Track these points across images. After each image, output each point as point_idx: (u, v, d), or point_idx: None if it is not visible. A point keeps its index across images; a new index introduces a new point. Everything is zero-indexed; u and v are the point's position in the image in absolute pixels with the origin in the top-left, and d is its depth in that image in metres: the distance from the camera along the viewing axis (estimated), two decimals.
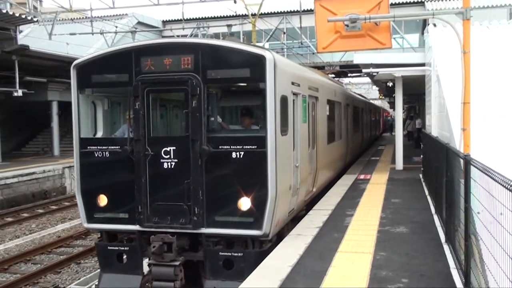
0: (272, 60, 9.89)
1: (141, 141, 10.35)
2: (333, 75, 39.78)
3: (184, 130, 10.40)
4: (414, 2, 41.34)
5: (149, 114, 10.40)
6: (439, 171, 11.40)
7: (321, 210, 13.27)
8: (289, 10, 42.57)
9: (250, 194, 9.75)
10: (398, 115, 24.73)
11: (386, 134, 61.19)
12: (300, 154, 12.23)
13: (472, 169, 6.59)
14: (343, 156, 22.63)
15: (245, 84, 11.21)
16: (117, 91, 11.65)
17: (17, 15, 26.09)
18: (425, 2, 41.12)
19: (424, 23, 29.83)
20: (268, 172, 9.69)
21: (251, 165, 9.88)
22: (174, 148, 10.21)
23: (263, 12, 33.30)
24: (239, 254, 9.97)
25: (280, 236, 10.94)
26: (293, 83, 11.64)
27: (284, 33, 42.06)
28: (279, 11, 43.74)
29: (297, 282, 7.82)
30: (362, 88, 65.68)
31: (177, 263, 10.09)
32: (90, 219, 10.95)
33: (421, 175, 19.13)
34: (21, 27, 26.51)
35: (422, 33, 29.32)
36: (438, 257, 8.92)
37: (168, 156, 10.22)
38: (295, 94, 11.85)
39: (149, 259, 10.50)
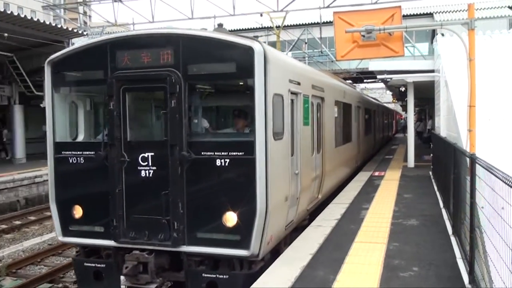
0: (262, 52, 7.97)
1: (116, 146, 8.58)
2: (350, 81, 39.56)
3: (163, 134, 8.54)
4: (423, 14, 41.01)
5: (125, 115, 8.65)
6: (447, 169, 11.33)
7: (339, 204, 13.26)
8: (310, 22, 42.40)
9: (237, 208, 7.94)
10: (410, 117, 24.63)
11: (399, 135, 60.97)
12: (301, 160, 10.33)
13: (477, 167, 6.56)
14: (353, 158, 20.26)
15: (232, 81, 9.07)
16: (93, 90, 9.69)
17: (70, 29, 26.43)
18: (434, 13, 40.81)
19: (433, 33, 29.53)
20: (257, 183, 7.85)
21: (237, 174, 8.04)
22: (153, 154, 8.44)
23: (286, 24, 33.28)
24: (224, 276, 8.18)
25: (276, 252, 9.17)
26: (291, 81, 9.71)
27: (306, 43, 41.97)
28: (301, 23, 43.63)
29: (317, 269, 7.83)
30: (377, 92, 65.21)
31: (153, 286, 8.41)
32: (66, 232, 9.23)
33: (430, 172, 18.98)
34: (73, 40, 26.80)
35: (431, 42, 29.08)
36: (445, 247, 8.88)
37: (146, 163, 8.47)
38: (294, 93, 9.91)
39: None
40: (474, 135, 11.47)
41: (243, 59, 8.06)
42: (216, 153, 8.11)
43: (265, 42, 12.45)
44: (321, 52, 40.59)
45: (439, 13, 41.04)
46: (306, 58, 41.40)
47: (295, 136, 10.07)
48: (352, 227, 10.56)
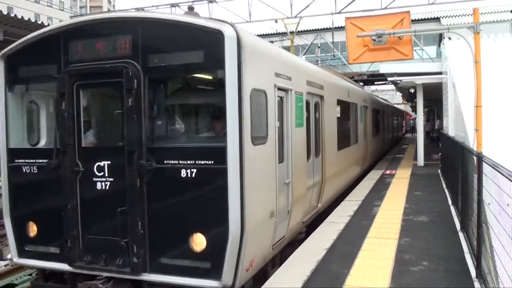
0: (234, 37, 6.38)
1: (68, 153, 7.03)
2: (361, 83, 39.43)
3: (120, 138, 6.92)
4: (431, 18, 40.77)
5: (79, 116, 7.12)
6: (455, 167, 11.28)
7: (352, 201, 13.23)
8: (322, 28, 42.31)
9: (206, 230, 6.40)
10: (420, 117, 24.55)
11: (409, 135, 60.64)
12: (293, 166, 8.76)
13: (484, 165, 6.55)
14: (359, 161, 18.59)
15: (201, 74, 7.35)
16: (48, 87, 7.65)
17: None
18: (441, 18, 40.58)
19: (440, 36, 29.39)
20: (230, 198, 6.30)
21: (206, 188, 6.48)
22: (109, 163, 6.88)
23: (300, 30, 33.29)
24: None
25: (263, 275, 7.80)
26: (278, 75, 8.07)
27: (319, 47, 41.93)
28: (314, 29, 43.62)
29: (332, 263, 7.86)
30: (387, 94, 64.92)
31: None
32: (22, 253, 7.64)
33: (439, 171, 18.86)
34: None
35: (439, 45, 28.92)
36: (454, 243, 8.85)
37: (102, 173, 6.90)
38: (282, 89, 8.29)
39: None
40: (480, 134, 11.46)
41: (211, 46, 6.47)
42: (181, 162, 6.54)
43: (279, 47, 11.94)
44: (333, 56, 40.50)
45: (445, 17, 40.80)
46: (319, 62, 41.42)
47: (285, 140, 8.57)
48: (365, 223, 10.55)
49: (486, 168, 6.45)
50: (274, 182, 7.77)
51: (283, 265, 7.88)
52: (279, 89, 8.11)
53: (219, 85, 6.48)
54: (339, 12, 24.25)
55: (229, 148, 6.36)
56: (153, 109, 7.22)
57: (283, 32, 34.60)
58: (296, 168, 9.05)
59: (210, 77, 7.30)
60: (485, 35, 18.30)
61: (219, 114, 6.87)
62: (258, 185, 7.07)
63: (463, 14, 40.26)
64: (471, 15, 18.03)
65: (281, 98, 8.36)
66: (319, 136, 11.49)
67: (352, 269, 7.49)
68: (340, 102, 14.21)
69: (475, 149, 10.45)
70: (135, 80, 6.61)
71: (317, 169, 11.24)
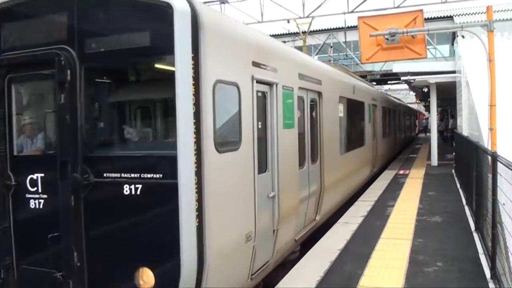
0: (188, 13, 5.06)
1: None
2: (374, 83, 39.29)
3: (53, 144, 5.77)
4: (444, 17, 40.52)
5: (11, 116, 5.89)
6: (469, 167, 11.23)
7: (365, 201, 13.20)
8: (335, 27, 42.21)
9: (154, 263, 5.08)
10: (433, 117, 24.44)
11: (421, 135, 60.19)
12: (280, 176, 7.41)
13: (499, 164, 6.52)
14: (367, 165, 17.15)
15: (148, 61, 5.72)
16: None
17: None
18: (454, 16, 40.36)
19: (454, 35, 29.22)
20: (182, 223, 4.96)
21: (153, 209, 5.17)
22: (42, 175, 5.58)
23: (312, 30, 33.22)
24: None
25: None
26: (258, 65, 6.67)
27: (331, 47, 41.85)
28: (326, 28, 43.53)
29: (345, 263, 7.85)
30: (401, 93, 64.62)
31: None
32: None
33: (453, 170, 18.76)
34: None
35: (452, 44, 28.76)
36: (468, 243, 8.80)
37: (35, 188, 5.60)
38: (264, 83, 6.96)
39: None
40: (495, 133, 11.39)
41: (158, 25, 5.14)
42: (123, 175, 5.22)
43: (292, 47, 11.48)
44: (346, 56, 40.39)
45: (459, 15, 40.55)
46: (332, 62, 41.34)
47: (269, 145, 7.28)
48: (378, 223, 10.52)
49: (500, 167, 6.42)
50: (251, 197, 6.40)
51: (296, 265, 7.88)
52: (260, 82, 6.77)
53: (170, 75, 5.01)
54: (352, 12, 24.18)
55: (181, 157, 4.98)
56: (92, 107, 5.96)
57: (296, 32, 34.59)
58: (285, 178, 7.69)
59: (159, 65, 5.62)
60: (499, 33, 18.18)
61: (171, 113, 5.31)
62: (227, 203, 5.74)
63: (476, 12, 39.99)
64: (484, 13, 17.94)
65: (263, 93, 7.08)
66: (317, 139, 10.11)
67: (366, 269, 7.48)
68: (343, 100, 12.82)
69: (489, 148, 10.40)
70: (69, 71, 5.29)
71: (314, 176, 9.81)
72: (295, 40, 38.51)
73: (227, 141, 5.89)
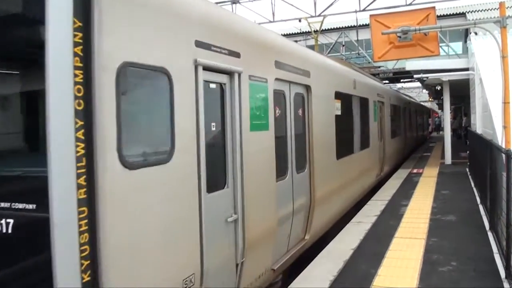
0: None
1: None
2: (386, 81, 39.13)
3: None
4: (456, 14, 40.29)
5: None
6: (483, 165, 11.17)
7: (379, 201, 13.18)
8: (346, 26, 42.12)
9: None
10: (447, 115, 24.32)
11: (434, 134, 59.71)
12: (246, 192, 5.95)
13: None
14: (372, 169, 15.54)
15: (26, 35, 3.98)
16: None
17: None
18: (466, 13, 40.12)
19: (466, 32, 29.08)
20: (57, 275, 3.35)
21: (26, 254, 3.71)
22: None
23: (324, 29, 33.24)
24: None
25: None
26: (204, 45, 5.13)
27: (343, 45, 41.81)
28: (338, 27, 43.44)
29: (359, 263, 7.84)
30: (413, 91, 64.35)
31: None
32: None
33: (467, 169, 18.67)
34: None
35: (465, 41, 28.62)
36: (482, 243, 8.74)
37: None
38: (217, 70, 5.46)
39: None
40: (509, 131, 11.34)
41: None
42: None
43: (304, 46, 10.64)
44: (358, 54, 40.30)
45: (471, 12, 40.29)
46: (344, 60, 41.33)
47: (229, 152, 5.75)
48: (392, 223, 10.50)
49: None
50: (194, 226, 4.86)
51: (309, 265, 7.88)
52: (211, 69, 5.26)
53: (41, 56, 3.41)
54: (363, 10, 24.17)
55: (54, 178, 3.36)
56: None
57: (307, 31, 34.58)
58: (254, 194, 6.19)
59: (33, 41, 3.83)
60: None
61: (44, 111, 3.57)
62: (148, 241, 4.17)
63: (489, 9, 39.73)
64: (497, 9, 17.83)
65: (219, 85, 5.60)
66: (305, 143, 8.69)
67: (379, 269, 7.47)
68: (341, 96, 11.14)
69: (503, 146, 10.35)
70: None
71: (301, 188, 8.34)
72: (307, 39, 38.50)
73: (147, 151, 4.31)
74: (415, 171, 19.60)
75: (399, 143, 22.88)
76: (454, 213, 11.23)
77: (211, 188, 5.27)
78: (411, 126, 29.98)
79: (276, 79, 7.15)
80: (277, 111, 7.28)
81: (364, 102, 14.35)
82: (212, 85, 5.46)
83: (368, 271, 7.39)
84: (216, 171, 5.54)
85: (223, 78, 5.67)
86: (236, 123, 5.86)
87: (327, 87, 10.19)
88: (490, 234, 9.15)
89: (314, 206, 8.76)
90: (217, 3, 23.75)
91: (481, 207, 11.57)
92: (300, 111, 8.46)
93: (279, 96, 7.46)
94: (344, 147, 11.35)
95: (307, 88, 8.75)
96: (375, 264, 7.72)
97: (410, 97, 39.85)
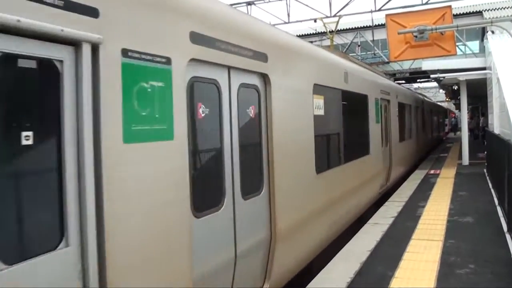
0: None
1: None
2: (403, 81, 38.96)
3: None
4: (472, 12, 40.00)
5: None
6: (501, 166, 11.10)
7: (395, 202, 13.14)
8: (362, 26, 42.02)
9: None
10: (464, 115, 24.16)
11: (451, 134, 58.91)
12: (113, 245, 3.61)
13: None
14: (373, 181, 13.03)
15: None
16: None
17: None
18: (483, 11, 39.85)
19: (483, 30, 28.91)
20: None
21: None
22: None
23: (339, 29, 33.20)
24: None
25: None
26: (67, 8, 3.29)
27: (359, 46, 41.77)
28: (354, 27, 43.37)
29: (376, 264, 7.83)
30: (430, 91, 64.01)
31: None
32: None
33: (485, 170, 18.55)
34: None
35: (482, 40, 28.43)
36: (500, 245, 8.68)
37: None
38: (40, 37, 3.14)
39: None
40: None
41: None
42: None
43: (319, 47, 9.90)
44: (374, 54, 40.20)
45: (488, 10, 39.99)
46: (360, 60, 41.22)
47: (69, 184, 3.37)
48: (409, 224, 10.47)
49: None
50: None
51: (326, 266, 7.89)
52: (24, 33, 3.07)
53: None
54: (379, 10, 24.14)
55: None
56: None
57: (323, 31, 34.55)
58: (137, 245, 3.92)
59: None
60: None
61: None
62: None
63: (506, 7, 39.42)
64: None
65: (47, 64, 3.29)
66: (260, 154, 6.34)
67: (396, 271, 7.46)
68: (323, 91, 8.80)
69: None
70: None
71: (252, 220, 6.02)
72: (322, 39, 38.47)
73: None
74: (432, 172, 19.51)
75: (410, 147, 20.73)
76: (471, 214, 11.18)
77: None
78: (424, 127, 27.94)
79: (193, 60, 4.82)
80: (202, 111, 5.11)
81: (361, 99, 12.10)
82: (26, 64, 3.17)
83: (385, 273, 7.38)
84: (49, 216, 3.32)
85: (57, 51, 3.36)
86: (85, 132, 3.50)
87: (300, 78, 7.75)
88: (508, 236, 9.09)
89: (275, 242, 6.47)
90: (231, 4, 23.85)
91: (499, 209, 11.48)
92: (251, 111, 6.15)
93: (201, 89, 5.11)
94: (328, 158, 9.26)
95: (264, 77, 6.45)
96: (392, 266, 7.71)
97: (424, 96, 39.49)
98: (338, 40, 37.30)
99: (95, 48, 3.57)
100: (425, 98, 36.38)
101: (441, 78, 22.75)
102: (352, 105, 11.06)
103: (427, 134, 29.83)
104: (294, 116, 7.35)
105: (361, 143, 12.08)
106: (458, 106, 45.25)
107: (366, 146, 12.47)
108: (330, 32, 29.83)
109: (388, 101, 15.91)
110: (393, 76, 38.71)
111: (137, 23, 4.02)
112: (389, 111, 16.03)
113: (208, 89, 5.23)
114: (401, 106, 18.64)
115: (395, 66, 38.75)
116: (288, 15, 26.85)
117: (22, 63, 3.11)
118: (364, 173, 11.95)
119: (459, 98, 25.17)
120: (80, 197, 3.46)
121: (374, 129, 13.42)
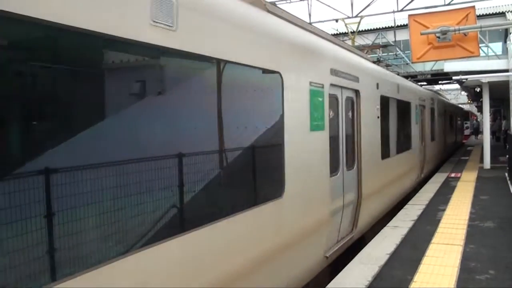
0: None
1: None
2: (425, 83, 38.63)
3: None
4: (495, 13, 39.64)
5: None
6: None
7: (416, 205, 13.08)
8: (384, 27, 41.85)
9: None
10: (486, 118, 23.91)
11: (471, 138, 57.33)
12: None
13: None
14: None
15: None
16: None
17: None
18: (506, 12, 39.42)
19: (506, 32, 28.58)
20: None
21: None
22: None
23: (361, 30, 33.09)
24: None
25: None
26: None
27: (381, 46, 41.64)
28: (375, 28, 43.17)
29: (395, 268, 7.82)
30: (452, 93, 63.44)
31: None
32: None
33: (506, 174, 18.36)
34: None
35: (505, 41, 28.10)
36: None
37: None
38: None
39: None
40: None
41: None
42: None
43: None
44: (396, 55, 39.97)
45: (511, 12, 39.56)
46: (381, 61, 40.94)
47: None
48: (429, 228, 10.43)
49: None
50: None
51: (344, 269, 7.91)
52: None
53: None
54: (401, 10, 23.96)
55: None
56: None
57: (344, 32, 34.44)
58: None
59: None
60: None
61: None
62: None
63: None
64: None
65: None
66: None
67: (415, 275, 7.44)
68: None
69: None
70: None
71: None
72: (344, 40, 38.40)
73: None
74: (453, 175, 19.37)
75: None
76: (492, 219, 11.09)
77: None
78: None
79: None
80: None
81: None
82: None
83: (404, 277, 7.37)
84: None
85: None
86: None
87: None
88: None
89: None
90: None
91: None
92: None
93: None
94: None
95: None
96: (411, 270, 7.70)
97: (447, 99, 39.06)
98: (360, 40, 37.13)
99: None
100: (449, 102, 35.92)
101: (463, 80, 22.58)
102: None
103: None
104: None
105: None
106: (480, 109, 44.75)
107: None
108: (351, 32, 29.76)
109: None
110: (415, 77, 38.43)
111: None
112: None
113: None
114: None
115: (418, 68, 38.45)
116: (310, 15, 26.84)
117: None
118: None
119: (481, 101, 24.91)
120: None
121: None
